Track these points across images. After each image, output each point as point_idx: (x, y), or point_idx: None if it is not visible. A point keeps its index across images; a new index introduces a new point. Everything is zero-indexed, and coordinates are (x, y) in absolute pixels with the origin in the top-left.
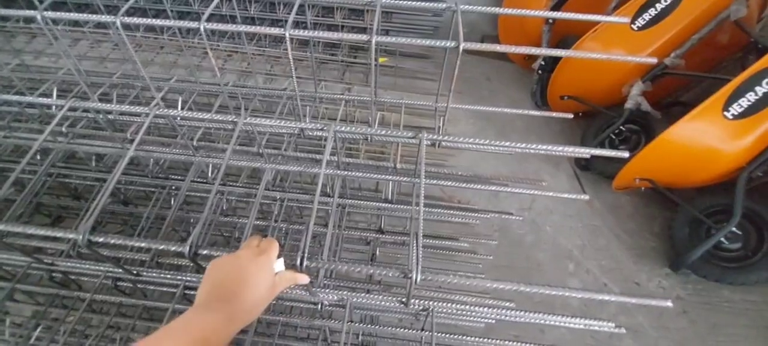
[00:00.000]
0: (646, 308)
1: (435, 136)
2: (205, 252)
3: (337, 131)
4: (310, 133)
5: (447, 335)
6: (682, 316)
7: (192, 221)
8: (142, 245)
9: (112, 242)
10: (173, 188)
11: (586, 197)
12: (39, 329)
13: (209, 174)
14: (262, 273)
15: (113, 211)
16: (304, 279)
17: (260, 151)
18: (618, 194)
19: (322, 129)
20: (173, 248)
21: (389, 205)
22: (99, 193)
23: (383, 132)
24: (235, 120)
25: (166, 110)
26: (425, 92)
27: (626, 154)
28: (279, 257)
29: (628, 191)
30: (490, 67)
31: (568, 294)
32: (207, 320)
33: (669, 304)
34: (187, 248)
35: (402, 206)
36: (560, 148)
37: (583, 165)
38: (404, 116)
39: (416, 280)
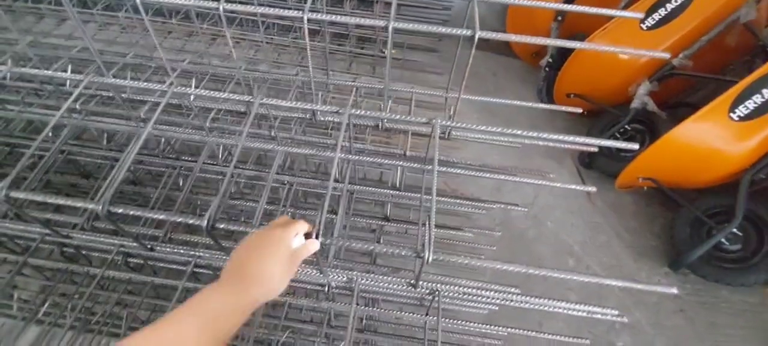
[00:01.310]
0: (644, 305)
1: (447, 123)
2: (222, 226)
3: (351, 115)
4: (323, 118)
5: (451, 321)
6: (680, 314)
7: (200, 203)
8: (161, 217)
9: (131, 213)
10: (183, 168)
11: (593, 189)
12: (46, 305)
13: (220, 156)
14: (275, 246)
15: (122, 191)
16: (315, 245)
17: (273, 134)
18: (620, 193)
19: (337, 112)
20: (191, 221)
21: (397, 192)
22: (110, 171)
23: (398, 117)
24: (251, 100)
25: (182, 89)
26: (433, 85)
27: (637, 146)
28: (310, 237)
29: (631, 189)
30: (496, 63)
31: (573, 277)
32: (215, 297)
33: (674, 290)
34: (205, 221)
35: (410, 194)
36: (569, 138)
37: (587, 163)
38: (413, 109)
39: (428, 259)
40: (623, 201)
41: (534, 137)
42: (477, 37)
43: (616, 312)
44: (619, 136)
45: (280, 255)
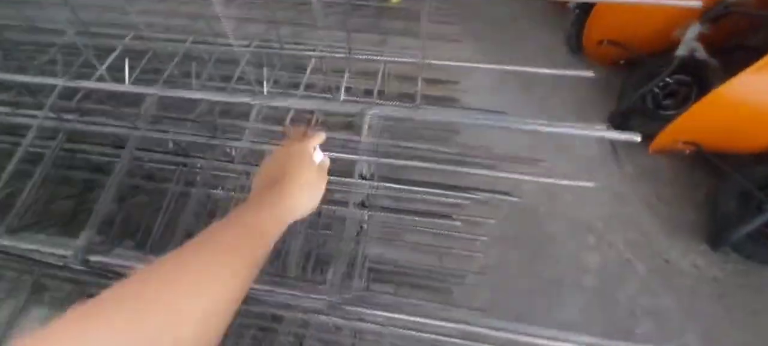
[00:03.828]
0: (675, 289)
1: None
2: None
3: (372, 115)
4: (340, 109)
5: None
6: (717, 300)
7: (210, 197)
8: (150, 257)
9: (113, 261)
10: (198, 166)
11: (638, 138)
12: None
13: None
14: (299, 157)
15: (137, 185)
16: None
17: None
18: (656, 157)
19: (356, 112)
20: None
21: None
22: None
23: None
24: (253, 103)
25: (175, 91)
26: (440, 38)
27: (638, 138)
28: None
29: (669, 154)
30: (517, 5)
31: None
32: (250, 213)
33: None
34: None
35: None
36: (568, 126)
37: (619, 123)
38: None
39: None
40: (659, 166)
41: (533, 123)
42: None
43: None
44: (659, 90)
45: (307, 165)
